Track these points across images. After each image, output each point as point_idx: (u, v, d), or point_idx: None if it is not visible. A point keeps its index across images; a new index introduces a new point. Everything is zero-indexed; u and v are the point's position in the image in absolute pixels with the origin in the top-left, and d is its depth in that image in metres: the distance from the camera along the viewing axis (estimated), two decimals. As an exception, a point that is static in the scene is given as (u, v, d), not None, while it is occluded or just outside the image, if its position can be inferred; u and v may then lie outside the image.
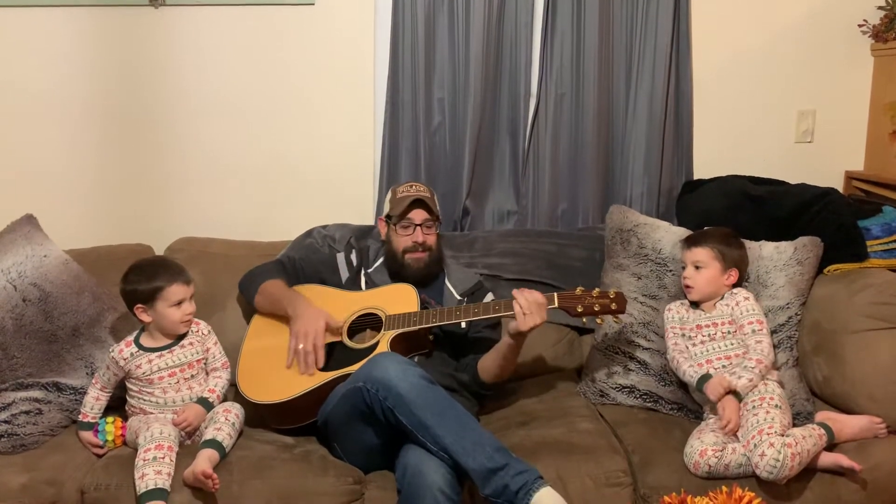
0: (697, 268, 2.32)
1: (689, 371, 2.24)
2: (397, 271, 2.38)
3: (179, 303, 2.16)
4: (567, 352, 2.62)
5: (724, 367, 2.22)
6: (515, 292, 2.10)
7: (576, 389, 2.50)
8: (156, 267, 2.19)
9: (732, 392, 2.13)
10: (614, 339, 2.46)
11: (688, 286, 2.34)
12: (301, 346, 2.17)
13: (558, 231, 2.84)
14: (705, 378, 2.19)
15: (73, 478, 2.02)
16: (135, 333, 2.21)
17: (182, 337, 2.21)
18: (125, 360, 2.14)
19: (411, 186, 2.40)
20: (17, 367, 2.23)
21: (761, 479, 1.98)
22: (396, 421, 1.90)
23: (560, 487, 1.93)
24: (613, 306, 2.15)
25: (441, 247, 2.47)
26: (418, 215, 2.34)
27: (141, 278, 2.15)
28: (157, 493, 1.89)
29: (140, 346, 2.17)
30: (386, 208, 2.43)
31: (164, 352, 2.17)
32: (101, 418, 2.17)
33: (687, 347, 2.31)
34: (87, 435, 2.15)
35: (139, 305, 2.15)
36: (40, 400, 2.21)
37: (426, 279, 2.38)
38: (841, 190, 2.95)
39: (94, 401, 2.18)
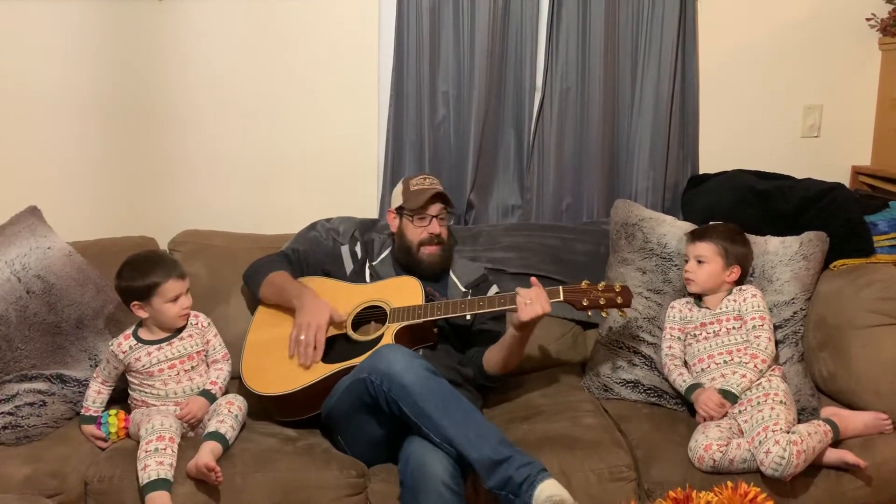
0: (700, 262, 2.32)
1: (679, 380, 2.26)
2: (409, 263, 2.37)
3: (176, 298, 2.15)
4: (571, 346, 2.62)
5: (725, 362, 2.22)
6: (518, 290, 2.10)
7: (580, 384, 2.49)
8: (150, 262, 2.17)
9: (726, 394, 2.13)
10: (619, 334, 2.45)
11: (689, 279, 2.33)
12: (302, 336, 2.17)
13: (563, 225, 2.84)
14: (694, 388, 2.21)
15: (77, 469, 2.02)
16: (133, 327, 2.20)
17: (181, 329, 2.21)
18: (124, 353, 2.14)
19: (425, 179, 2.40)
20: (21, 358, 2.22)
21: (766, 476, 1.97)
22: (400, 412, 1.90)
23: (564, 482, 1.92)
24: (619, 300, 2.14)
25: (452, 239, 2.47)
26: (436, 208, 2.35)
27: (135, 275, 2.14)
28: (160, 483, 1.89)
29: (139, 339, 2.17)
30: (398, 200, 2.42)
31: (162, 344, 2.17)
32: (103, 411, 2.17)
33: (683, 350, 2.32)
34: (90, 428, 2.15)
35: (135, 302, 2.15)
36: (44, 392, 2.21)
37: (440, 273, 2.38)
38: (847, 185, 2.95)
39: (96, 394, 2.18)
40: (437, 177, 2.53)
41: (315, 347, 2.16)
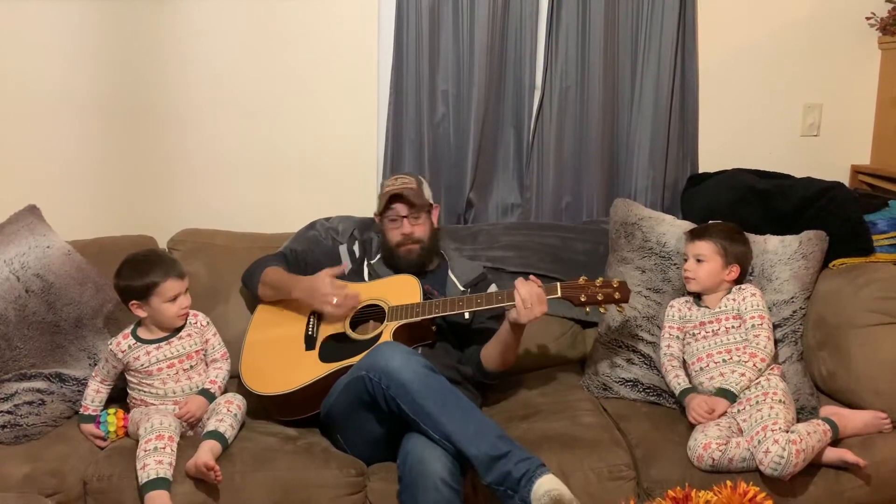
0: (699, 261, 2.32)
1: (674, 382, 2.27)
2: (394, 264, 2.39)
3: (175, 298, 2.15)
4: (570, 345, 2.61)
5: (724, 361, 2.22)
6: (517, 282, 2.09)
7: (579, 383, 2.49)
8: (149, 262, 2.17)
9: (725, 393, 2.13)
10: (618, 333, 2.45)
11: (688, 278, 2.34)
12: (334, 300, 2.17)
13: (562, 224, 2.84)
14: (686, 392, 2.22)
15: (76, 468, 2.03)
16: (132, 326, 2.20)
17: (180, 328, 2.21)
18: (123, 352, 2.14)
19: (396, 179, 2.41)
20: (20, 357, 2.23)
21: (765, 475, 1.97)
22: (399, 409, 1.90)
23: (563, 481, 1.91)
24: (617, 295, 2.15)
25: (436, 237, 2.47)
26: (402, 208, 2.35)
27: (134, 274, 2.14)
28: (159, 482, 1.89)
29: (138, 339, 2.17)
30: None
31: (161, 343, 2.17)
32: (102, 410, 2.17)
33: (682, 350, 2.31)
34: (89, 427, 2.15)
35: (134, 302, 2.15)
36: (43, 391, 2.21)
37: (422, 270, 2.38)
38: (847, 184, 2.94)
39: (95, 393, 2.18)
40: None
41: (349, 299, 2.18)
